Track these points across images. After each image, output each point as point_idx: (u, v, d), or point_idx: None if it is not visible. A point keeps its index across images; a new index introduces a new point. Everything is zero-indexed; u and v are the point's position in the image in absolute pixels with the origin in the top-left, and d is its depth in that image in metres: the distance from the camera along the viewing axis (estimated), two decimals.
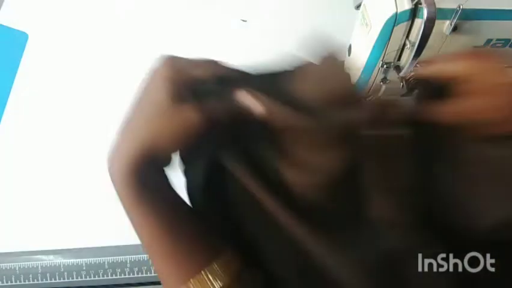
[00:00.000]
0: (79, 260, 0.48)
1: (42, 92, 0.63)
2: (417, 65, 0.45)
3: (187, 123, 0.26)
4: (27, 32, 0.69)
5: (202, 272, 0.27)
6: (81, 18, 0.72)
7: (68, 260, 0.48)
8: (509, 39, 0.44)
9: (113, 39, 0.69)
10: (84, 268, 0.48)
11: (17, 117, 0.61)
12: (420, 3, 0.39)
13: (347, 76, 0.29)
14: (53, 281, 0.48)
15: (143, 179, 0.26)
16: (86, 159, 0.55)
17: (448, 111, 0.30)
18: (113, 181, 0.27)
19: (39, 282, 0.48)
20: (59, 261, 0.48)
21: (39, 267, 0.48)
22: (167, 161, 0.28)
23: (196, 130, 0.26)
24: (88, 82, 0.64)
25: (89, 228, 0.50)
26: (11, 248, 0.49)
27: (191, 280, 0.26)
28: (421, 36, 0.39)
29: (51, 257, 0.49)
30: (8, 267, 0.48)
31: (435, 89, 0.32)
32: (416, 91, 0.39)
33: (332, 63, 0.28)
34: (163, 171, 0.29)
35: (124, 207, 0.27)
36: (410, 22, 0.41)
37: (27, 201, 0.52)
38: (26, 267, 0.48)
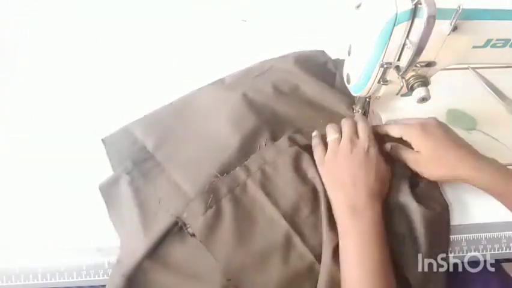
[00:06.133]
0: (79, 260, 0.48)
1: (34, 93, 0.63)
2: (418, 65, 0.45)
3: None
4: None
5: None
6: (79, 16, 0.72)
7: (68, 260, 0.48)
8: (509, 39, 0.44)
9: (112, 39, 0.69)
10: (84, 268, 0.48)
11: (17, 117, 0.61)
12: (420, 3, 0.39)
13: None
14: (53, 281, 0.48)
15: None
16: (86, 159, 0.56)
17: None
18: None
19: (39, 282, 0.48)
20: (59, 261, 0.48)
21: (39, 267, 0.48)
22: None
23: None
24: (85, 81, 0.64)
25: (89, 228, 0.50)
26: (11, 248, 0.49)
27: None
28: (421, 36, 0.39)
29: (51, 257, 0.49)
30: (8, 267, 0.48)
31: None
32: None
33: None
34: None
35: None
36: (410, 22, 0.41)
37: (28, 201, 0.52)
38: (26, 267, 0.48)
